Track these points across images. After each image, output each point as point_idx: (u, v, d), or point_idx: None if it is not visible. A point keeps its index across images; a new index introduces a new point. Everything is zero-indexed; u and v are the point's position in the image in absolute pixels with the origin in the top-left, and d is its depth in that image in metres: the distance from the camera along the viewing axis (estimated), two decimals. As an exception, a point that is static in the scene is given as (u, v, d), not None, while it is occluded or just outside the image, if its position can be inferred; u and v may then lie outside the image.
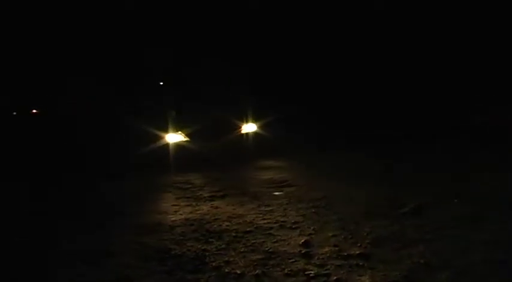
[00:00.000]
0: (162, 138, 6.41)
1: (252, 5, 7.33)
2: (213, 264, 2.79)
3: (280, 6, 7.45)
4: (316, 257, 2.76)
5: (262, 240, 3.05)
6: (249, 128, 7.31)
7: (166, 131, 6.45)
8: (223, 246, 2.96)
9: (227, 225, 3.40)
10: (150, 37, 6.64)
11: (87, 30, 6.66)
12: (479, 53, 7.23)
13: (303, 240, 2.96)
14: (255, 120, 7.45)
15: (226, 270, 2.70)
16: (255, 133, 7.36)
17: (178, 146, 6.44)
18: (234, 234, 3.17)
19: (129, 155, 6.15)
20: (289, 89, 7.31)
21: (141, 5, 6.80)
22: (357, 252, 2.79)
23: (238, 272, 2.68)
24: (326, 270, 2.66)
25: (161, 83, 6.52)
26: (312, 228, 3.30)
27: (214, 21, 7.10)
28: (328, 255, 2.76)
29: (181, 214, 3.86)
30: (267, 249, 2.89)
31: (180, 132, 6.49)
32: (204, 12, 7.15)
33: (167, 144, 6.42)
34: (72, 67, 6.65)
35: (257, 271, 2.67)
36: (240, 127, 7.14)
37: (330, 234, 3.15)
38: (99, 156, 6.65)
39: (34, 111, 7.81)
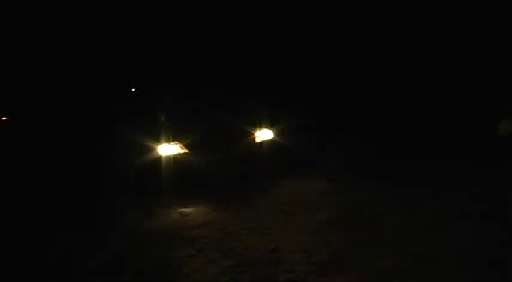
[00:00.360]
0: (153, 150, 7.90)
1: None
2: (184, 271, 4.12)
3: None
4: (286, 263, 3.95)
5: (233, 246, 4.39)
6: (264, 135, 8.63)
7: (158, 140, 7.94)
8: (194, 252, 4.30)
9: (197, 232, 4.83)
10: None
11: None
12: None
13: (273, 246, 4.24)
14: (270, 126, 8.80)
15: (197, 277, 3.98)
16: (273, 142, 8.68)
17: (173, 160, 7.83)
18: (205, 241, 4.53)
19: (108, 174, 7.81)
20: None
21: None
22: (327, 257, 3.99)
23: (209, 278, 3.96)
24: (296, 275, 3.86)
25: (133, 89, 8.17)
26: (282, 233, 4.57)
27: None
28: (298, 260, 3.96)
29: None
30: (237, 255, 4.13)
31: (176, 142, 7.93)
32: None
33: (159, 158, 7.88)
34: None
35: (227, 277, 3.92)
36: (253, 134, 8.48)
37: (301, 240, 4.43)
38: (78, 174, 8.30)
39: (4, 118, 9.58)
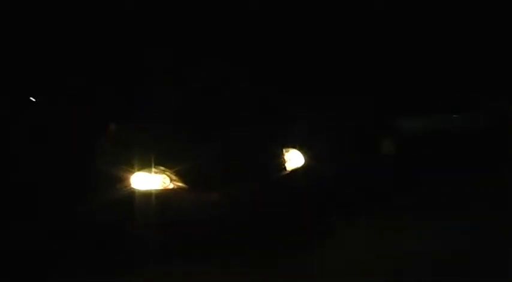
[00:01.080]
0: (119, 181, 4.42)
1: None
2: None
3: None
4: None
5: None
6: (294, 158, 5.42)
7: (131, 165, 4.48)
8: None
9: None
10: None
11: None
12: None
13: None
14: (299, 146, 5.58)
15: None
16: (307, 170, 5.45)
17: (156, 199, 4.40)
18: None
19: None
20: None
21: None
22: None
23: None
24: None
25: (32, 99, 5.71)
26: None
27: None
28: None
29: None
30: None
31: (161, 168, 4.51)
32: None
33: (130, 196, 4.43)
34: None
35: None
36: (281, 158, 5.21)
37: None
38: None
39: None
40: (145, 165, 4.30)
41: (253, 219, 4.46)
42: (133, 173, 4.27)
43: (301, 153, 5.31)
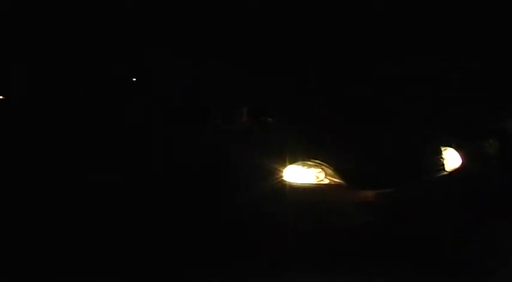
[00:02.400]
0: (275, 173, 4.17)
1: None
2: None
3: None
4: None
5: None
6: (451, 158, 4.87)
7: (282, 158, 4.22)
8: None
9: None
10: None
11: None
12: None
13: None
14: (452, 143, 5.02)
15: None
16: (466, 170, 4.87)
17: (312, 194, 4.13)
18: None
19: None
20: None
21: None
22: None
23: None
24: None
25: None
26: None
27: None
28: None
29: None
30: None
31: (317, 161, 4.21)
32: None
33: (282, 190, 4.18)
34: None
35: None
36: (439, 157, 4.67)
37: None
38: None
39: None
40: (298, 158, 4.01)
41: (409, 225, 4.05)
42: (287, 166, 3.99)
43: (458, 152, 4.77)
